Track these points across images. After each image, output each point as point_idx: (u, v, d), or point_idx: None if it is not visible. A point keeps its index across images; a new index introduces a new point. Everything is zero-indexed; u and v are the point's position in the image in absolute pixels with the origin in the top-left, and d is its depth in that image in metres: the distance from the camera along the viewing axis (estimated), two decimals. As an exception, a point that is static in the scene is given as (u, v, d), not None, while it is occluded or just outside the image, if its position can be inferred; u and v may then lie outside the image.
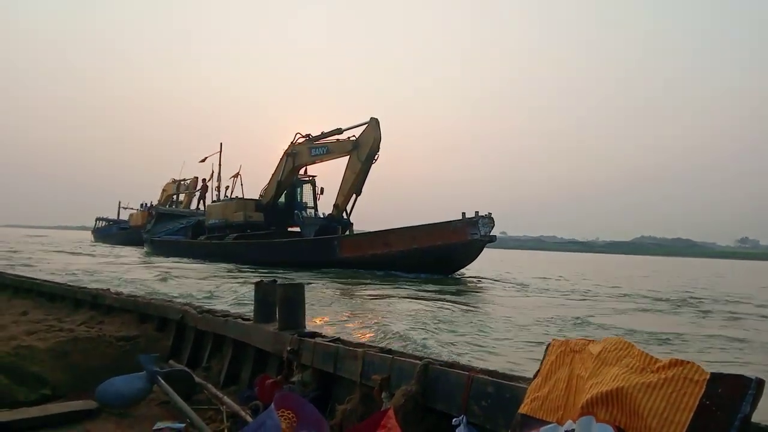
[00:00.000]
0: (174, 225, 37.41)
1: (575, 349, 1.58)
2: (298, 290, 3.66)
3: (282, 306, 3.60)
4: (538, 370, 1.69)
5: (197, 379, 3.63)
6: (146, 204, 48.05)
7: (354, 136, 23.67)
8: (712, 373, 1.24)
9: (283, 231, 26.71)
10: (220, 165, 38.32)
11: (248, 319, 4.02)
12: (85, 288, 6.73)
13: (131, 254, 31.71)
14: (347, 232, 24.82)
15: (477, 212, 20.42)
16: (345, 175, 24.10)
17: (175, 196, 47.56)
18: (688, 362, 1.28)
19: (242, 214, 27.33)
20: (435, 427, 2.20)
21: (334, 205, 25.10)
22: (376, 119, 23.09)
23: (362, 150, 23.13)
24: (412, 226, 21.88)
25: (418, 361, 2.39)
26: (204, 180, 41.15)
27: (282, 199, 27.45)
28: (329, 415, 2.71)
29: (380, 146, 23.04)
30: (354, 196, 24.29)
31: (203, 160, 39.89)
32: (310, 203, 28.23)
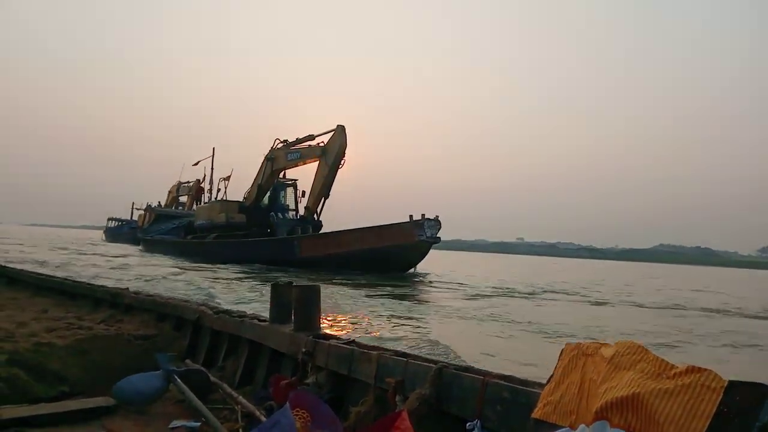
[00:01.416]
0: (168, 225, 39.39)
1: (587, 353, 1.57)
2: (314, 292, 3.67)
3: (297, 308, 3.62)
4: (552, 375, 1.68)
5: (213, 379, 3.65)
6: (151, 205, 49.63)
7: (323, 142, 24.98)
8: (729, 381, 1.23)
9: (263, 231, 27.64)
10: (212, 169, 39.89)
11: (264, 320, 4.05)
12: (104, 287, 6.83)
13: (126, 252, 32.92)
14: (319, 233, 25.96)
15: (423, 215, 21.51)
16: (315, 179, 25.51)
17: (180, 198, 48.88)
18: (706, 369, 1.27)
19: (225, 215, 28.71)
20: (449, 431, 2.20)
21: (305, 207, 26.59)
22: (342, 126, 24.39)
23: (329, 156, 24.48)
24: (364, 228, 23.04)
25: (432, 365, 2.38)
26: (199, 182, 42.20)
27: (265, 201, 28.70)
28: (343, 417, 2.71)
29: (345, 152, 24.34)
30: (323, 198, 25.54)
31: (196, 164, 41.91)
32: (293, 205, 29.32)
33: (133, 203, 57.10)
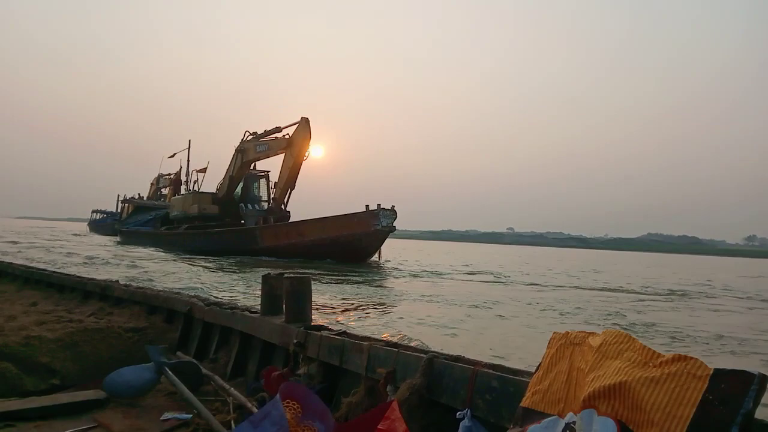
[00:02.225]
0: (145, 217, 39.90)
1: (575, 342, 1.59)
2: (305, 283, 3.68)
3: (289, 299, 3.62)
4: (540, 363, 1.70)
5: (204, 371, 3.66)
6: (134, 197, 50.06)
7: (288, 134, 25.44)
8: (715, 369, 1.24)
9: (236, 222, 28.18)
10: (188, 161, 40.15)
11: (255, 312, 4.04)
12: (94, 280, 6.80)
13: (102, 243, 34.42)
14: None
15: (379, 205, 22.26)
16: (281, 171, 26.12)
17: (162, 189, 49.03)
18: (692, 358, 1.28)
19: (197, 206, 29.37)
20: (439, 421, 2.21)
21: (272, 199, 27.28)
22: (306, 119, 24.84)
23: (294, 148, 25.06)
24: (323, 218, 23.75)
25: (423, 355, 2.40)
26: (178, 174, 42.34)
27: (238, 192, 29.30)
28: (334, 408, 2.73)
29: (309, 144, 24.94)
30: (289, 190, 26.19)
31: (172, 156, 42.26)
32: (266, 197, 29.86)
33: (118, 195, 57.22)
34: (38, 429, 2.76)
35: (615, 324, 9.39)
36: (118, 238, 39.28)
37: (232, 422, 2.91)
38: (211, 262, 20.45)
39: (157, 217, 36.85)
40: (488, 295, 12.99)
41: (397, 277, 17.80)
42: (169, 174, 47.68)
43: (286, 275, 3.85)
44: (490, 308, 10.64)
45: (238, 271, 17.19)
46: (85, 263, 17.41)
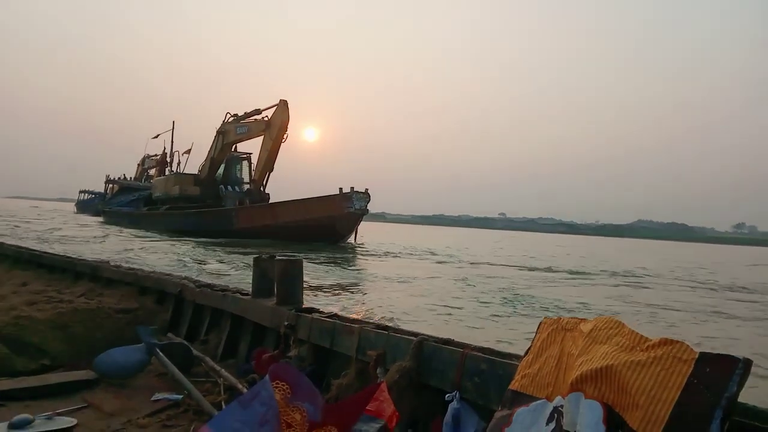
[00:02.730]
0: (129, 197, 40.16)
1: (566, 327, 1.60)
2: (297, 266, 3.68)
3: (280, 281, 3.63)
4: (530, 347, 1.71)
5: (195, 352, 3.66)
6: (119, 178, 50.17)
7: (267, 116, 25.62)
8: (700, 353, 1.26)
9: (217, 203, 28.37)
10: (172, 142, 39.86)
11: (247, 294, 4.05)
12: (84, 260, 6.77)
13: (82, 222, 35.11)
14: None
15: (352, 188, 22.72)
16: (260, 153, 26.36)
17: (149, 170, 48.91)
18: (678, 341, 1.30)
19: (178, 187, 29.59)
20: (428, 403, 2.24)
21: (252, 180, 27.61)
22: (285, 101, 25.00)
23: (272, 130, 25.20)
24: (297, 200, 24.15)
25: (413, 338, 2.41)
26: (165, 155, 42.28)
27: (220, 173, 29.51)
28: (325, 389, 2.75)
29: (288, 127, 25.13)
30: (268, 172, 26.45)
31: (156, 137, 41.76)
32: (248, 179, 30.04)
33: (107, 176, 57.02)
34: (28, 409, 2.76)
35: (501, 293, 10.76)
36: (101, 218, 39.70)
37: (223, 403, 2.93)
38: (180, 240, 21.39)
39: (140, 198, 37.19)
40: (428, 271, 14.69)
41: (365, 258, 18.78)
42: (156, 155, 47.53)
43: (277, 258, 3.85)
44: (410, 282, 11.96)
45: (193, 248, 18.13)
46: (40, 238, 18.02)
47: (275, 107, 25.27)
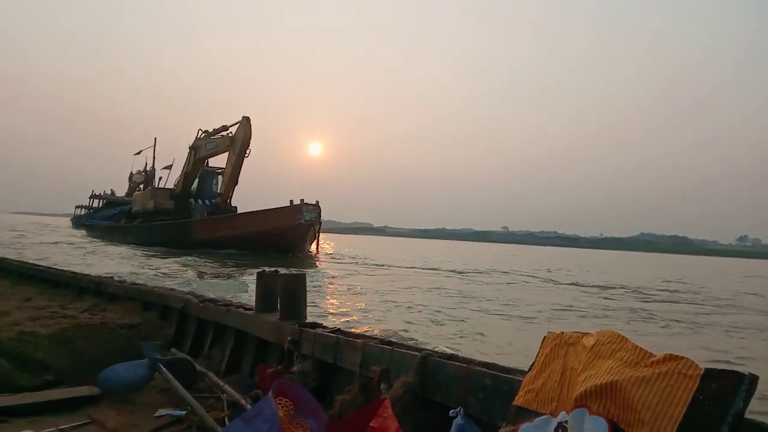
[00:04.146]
0: (112, 211, 41.54)
1: (569, 342, 1.60)
2: (300, 281, 3.67)
3: (283, 296, 3.62)
4: (533, 363, 1.70)
5: (199, 368, 3.65)
6: (102, 193, 51.21)
7: (231, 133, 26.91)
8: (706, 369, 1.25)
9: (189, 216, 29.36)
10: (154, 158, 41.04)
11: (250, 309, 4.04)
12: (88, 276, 6.77)
13: (65, 237, 36.34)
14: None
15: (302, 200, 24.10)
16: (225, 168, 27.78)
17: (141, 186, 49.49)
18: (683, 357, 1.29)
19: (153, 202, 31.12)
20: (432, 419, 2.22)
21: (218, 194, 28.82)
22: (247, 117, 26.28)
23: (236, 145, 26.50)
24: (252, 211, 25.69)
25: (417, 353, 2.40)
26: (147, 171, 42.74)
27: (194, 187, 30.81)
28: (328, 405, 2.73)
29: (250, 143, 26.37)
30: (233, 185, 27.73)
31: (138, 153, 42.92)
32: None
33: (104, 191, 57.49)
34: (32, 425, 2.75)
35: (439, 290, 13.00)
36: (84, 232, 41.61)
37: (226, 419, 2.91)
38: (138, 249, 23.75)
39: (122, 212, 38.42)
40: (383, 280, 16.38)
41: (315, 267, 20.28)
42: (145, 171, 48.11)
43: (281, 273, 3.85)
44: (352, 285, 13.49)
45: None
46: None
47: (237, 124, 26.52)
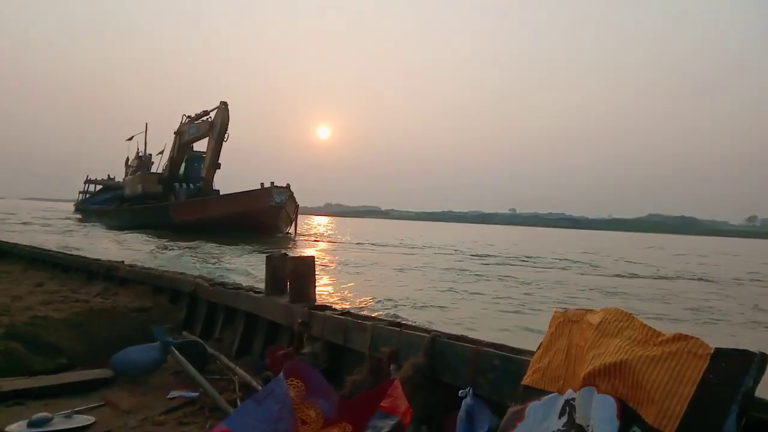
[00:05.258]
0: (106, 196, 42.51)
1: (573, 320, 1.60)
2: (309, 264, 3.69)
3: (293, 279, 3.64)
4: (541, 342, 1.71)
5: (210, 350, 3.69)
6: (96, 179, 51.31)
7: (210, 117, 27.79)
8: (716, 348, 1.25)
9: (176, 200, 30.31)
10: (145, 144, 41.00)
11: (260, 292, 4.07)
12: (99, 260, 6.84)
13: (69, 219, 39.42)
14: None
15: (272, 182, 25.01)
16: (207, 152, 28.64)
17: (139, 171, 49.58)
18: (693, 337, 1.29)
19: (141, 186, 32.42)
20: (442, 399, 2.24)
21: (201, 178, 29.60)
22: (225, 103, 27.06)
23: (215, 130, 27.31)
24: (226, 194, 26.92)
25: (425, 334, 2.42)
26: (141, 157, 42.96)
27: (182, 172, 31.60)
28: (338, 386, 2.76)
29: (228, 127, 27.32)
30: (214, 169, 28.73)
31: (130, 139, 42.44)
32: None
33: (87, 176, 57.79)
34: (47, 407, 2.80)
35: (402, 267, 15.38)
36: (79, 216, 43.34)
37: (238, 400, 2.95)
38: (122, 233, 24.78)
39: (115, 197, 39.33)
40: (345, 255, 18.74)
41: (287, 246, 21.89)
42: (138, 156, 48.23)
43: (290, 256, 3.87)
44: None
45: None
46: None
47: (216, 109, 27.25)
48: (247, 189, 26.43)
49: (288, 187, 25.94)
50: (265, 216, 25.18)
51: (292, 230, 28.15)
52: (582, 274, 16.83)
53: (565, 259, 22.41)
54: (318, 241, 27.26)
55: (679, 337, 1.30)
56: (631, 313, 1.45)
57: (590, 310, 1.57)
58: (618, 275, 16.80)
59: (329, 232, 38.14)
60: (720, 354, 1.24)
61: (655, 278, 16.46)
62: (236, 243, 19.67)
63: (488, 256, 22.42)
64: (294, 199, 26.94)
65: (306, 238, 29.08)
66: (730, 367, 1.21)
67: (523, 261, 20.50)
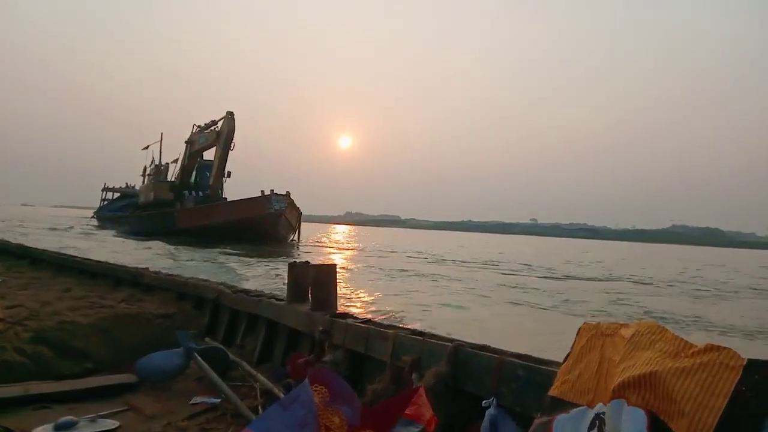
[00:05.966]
0: (122, 203, 44.26)
1: (606, 333, 1.57)
2: (331, 272, 3.71)
3: (314, 287, 3.66)
4: (569, 353, 1.69)
5: (232, 357, 3.72)
6: (114, 186, 53.17)
7: (217, 127, 28.46)
8: (748, 360, 1.22)
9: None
10: (160, 152, 41.79)
11: (281, 300, 4.09)
12: (125, 267, 6.94)
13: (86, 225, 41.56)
14: None
15: (272, 190, 25.52)
16: (214, 161, 29.26)
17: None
18: (725, 348, 1.26)
19: (153, 194, 33.20)
20: (465, 409, 2.22)
21: (209, 186, 30.23)
22: (231, 112, 27.62)
23: (221, 139, 27.97)
24: (228, 201, 27.59)
25: (448, 344, 2.40)
26: (158, 165, 43.62)
27: (193, 180, 32.44)
28: (360, 394, 2.76)
29: (234, 135, 27.94)
30: (223, 177, 29.60)
31: (146, 148, 43.36)
32: None
33: (104, 184, 59.04)
34: (72, 411, 2.84)
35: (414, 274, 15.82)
36: (95, 222, 45.47)
37: (260, 407, 2.96)
38: (128, 239, 26.29)
39: (130, 204, 40.54)
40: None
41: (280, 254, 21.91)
42: (153, 164, 49.20)
43: (311, 264, 3.89)
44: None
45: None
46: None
47: (222, 119, 27.84)
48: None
49: (288, 194, 26.39)
50: (264, 222, 25.64)
51: (296, 237, 28.75)
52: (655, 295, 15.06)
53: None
54: (324, 247, 27.98)
55: (711, 348, 1.27)
56: (664, 326, 1.42)
57: (624, 324, 1.55)
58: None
59: (343, 240, 39.37)
60: (753, 365, 1.20)
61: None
62: (231, 251, 19.95)
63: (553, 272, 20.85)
64: (295, 206, 27.30)
65: (319, 245, 30.00)
66: (763, 379, 1.18)
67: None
